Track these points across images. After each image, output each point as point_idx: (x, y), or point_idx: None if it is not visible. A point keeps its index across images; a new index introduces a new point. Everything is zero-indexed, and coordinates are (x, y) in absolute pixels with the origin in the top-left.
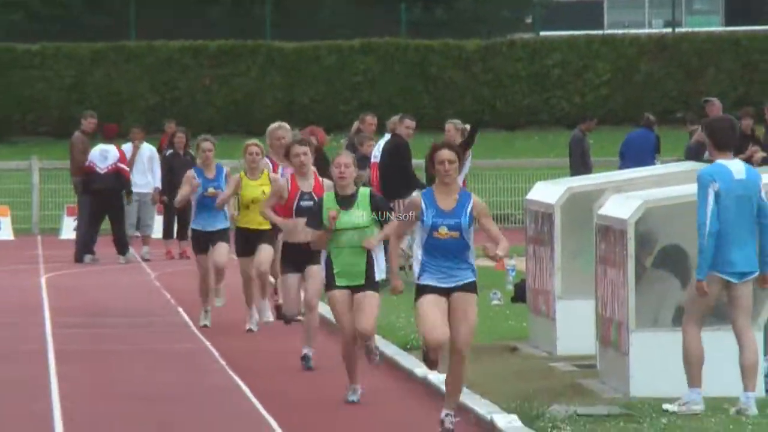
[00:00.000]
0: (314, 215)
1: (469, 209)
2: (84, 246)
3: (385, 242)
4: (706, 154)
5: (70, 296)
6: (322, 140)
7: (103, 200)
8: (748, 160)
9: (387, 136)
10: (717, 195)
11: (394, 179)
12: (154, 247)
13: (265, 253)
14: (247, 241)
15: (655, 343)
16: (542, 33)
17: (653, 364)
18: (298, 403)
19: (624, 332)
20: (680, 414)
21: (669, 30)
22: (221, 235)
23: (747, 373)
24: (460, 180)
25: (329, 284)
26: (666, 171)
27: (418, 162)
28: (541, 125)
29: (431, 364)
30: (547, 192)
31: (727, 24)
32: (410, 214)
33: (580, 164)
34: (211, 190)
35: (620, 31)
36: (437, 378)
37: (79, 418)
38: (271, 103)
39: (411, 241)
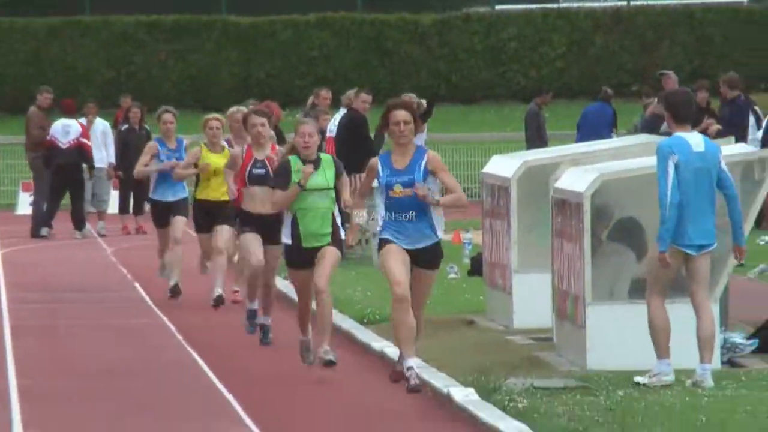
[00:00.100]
0: (282, 175)
1: (423, 164)
2: (42, 221)
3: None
4: (663, 127)
5: (26, 272)
6: (278, 115)
7: (65, 175)
8: (704, 133)
9: (342, 111)
10: (676, 167)
11: (351, 154)
12: (110, 223)
13: (223, 236)
14: (207, 215)
15: (611, 316)
16: (498, 7)
17: (609, 337)
18: (256, 379)
19: (580, 305)
20: (650, 386)
21: (624, 3)
22: (180, 205)
23: (704, 345)
24: None
25: (293, 251)
26: (622, 144)
27: None
28: (497, 99)
29: None
30: (504, 166)
31: None
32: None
33: (536, 138)
34: (172, 161)
35: (575, 5)
36: (394, 351)
37: (36, 393)
38: (227, 78)
39: (368, 216)
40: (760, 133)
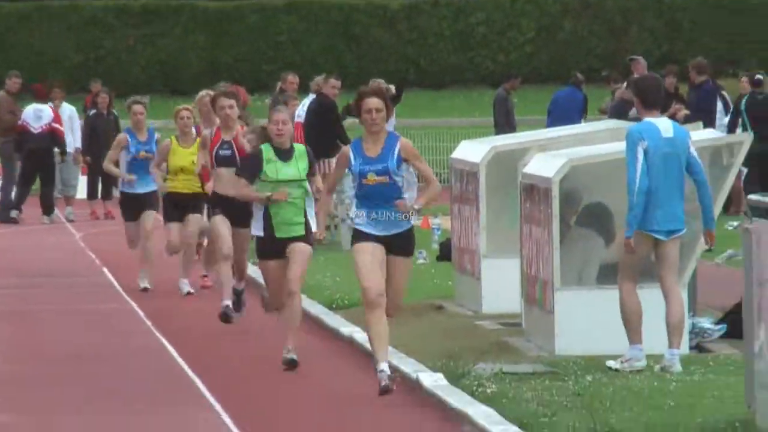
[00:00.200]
0: (251, 165)
1: (396, 152)
2: (11, 206)
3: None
4: (632, 112)
5: None
6: (245, 100)
7: (37, 160)
8: (672, 118)
9: (311, 96)
10: (645, 152)
11: (320, 139)
12: (78, 208)
13: (193, 225)
14: (176, 207)
15: (580, 301)
16: None
17: (578, 322)
18: (224, 364)
19: (549, 291)
20: (622, 371)
21: None
22: (150, 198)
23: (673, 330)
24: None
25: (265, 242)
26: (591, 129)
27: None
28: (465, 84)
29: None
30: (472, 151)
31: None
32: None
33: (504, 123)
34: (142, 153)
35: None
36: (362, 337)
37: (4, 378)
38: (196, 63)
39: (337, 200)
40: (727, 119)
